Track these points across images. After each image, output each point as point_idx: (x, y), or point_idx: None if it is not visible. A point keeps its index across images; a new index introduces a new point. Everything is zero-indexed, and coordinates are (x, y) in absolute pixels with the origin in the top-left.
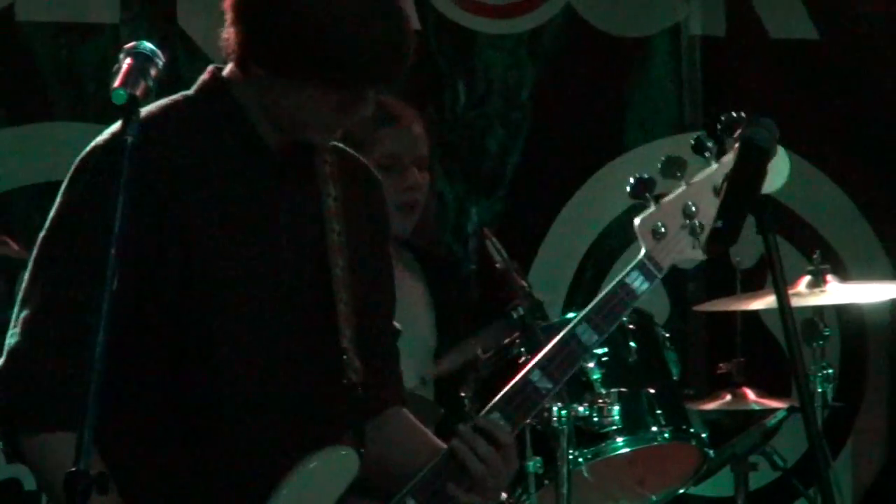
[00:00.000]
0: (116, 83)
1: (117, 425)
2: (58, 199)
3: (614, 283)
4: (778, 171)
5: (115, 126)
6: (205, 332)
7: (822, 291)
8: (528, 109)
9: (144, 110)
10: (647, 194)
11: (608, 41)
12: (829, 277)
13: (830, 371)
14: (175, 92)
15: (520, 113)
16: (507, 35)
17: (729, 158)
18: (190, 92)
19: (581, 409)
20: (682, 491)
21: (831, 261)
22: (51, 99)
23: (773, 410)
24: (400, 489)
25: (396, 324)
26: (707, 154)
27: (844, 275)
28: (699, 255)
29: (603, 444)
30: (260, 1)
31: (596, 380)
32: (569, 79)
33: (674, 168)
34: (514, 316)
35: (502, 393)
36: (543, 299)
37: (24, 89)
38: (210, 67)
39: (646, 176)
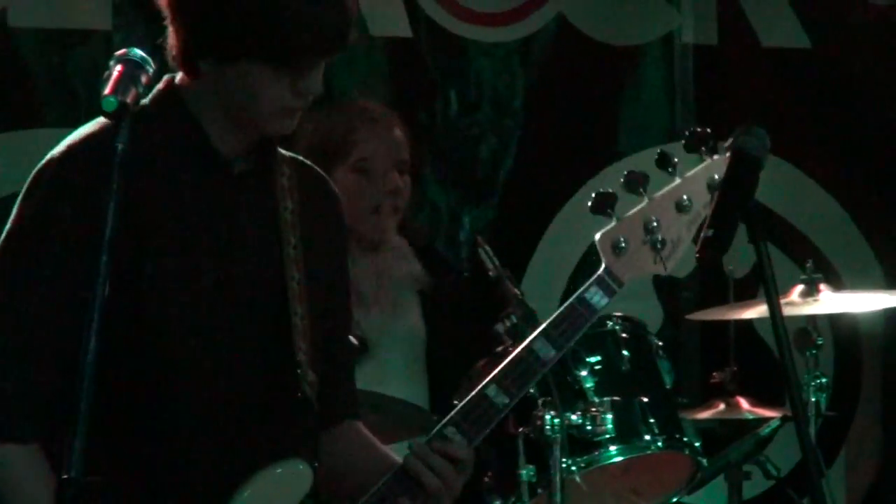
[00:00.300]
0: (107, 90)
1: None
2: (13, 212)
3: (573, 298)
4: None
5: (71, 138)
6: (159, 346)
7: (815, 300)
8: (520, 117)
9: (99, 122)
10: (609, 209)
11: (600, 49)
12: (822, 286)
13: (824, 380)
14: None
15: (512, 121)
16: (500, 43)
17: (693, 174)
18: (145, 101)
19: (574, 417)
20: (675, 499)
21: (824, 270)
22: (42, 105)
23: (767, 419)
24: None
25: (352, 338)
26: (670, 170)
27: (837, 284)
28: (660, 270)
29: (596, 453)
30: None
31: (589, 388)
32: (561, 87)
33: (636, 183)
34: (507, 324)
35: (459, 407)
36: (536, 308)
37: (15, 95)
38: (166, 77)
39: (608, 191)
